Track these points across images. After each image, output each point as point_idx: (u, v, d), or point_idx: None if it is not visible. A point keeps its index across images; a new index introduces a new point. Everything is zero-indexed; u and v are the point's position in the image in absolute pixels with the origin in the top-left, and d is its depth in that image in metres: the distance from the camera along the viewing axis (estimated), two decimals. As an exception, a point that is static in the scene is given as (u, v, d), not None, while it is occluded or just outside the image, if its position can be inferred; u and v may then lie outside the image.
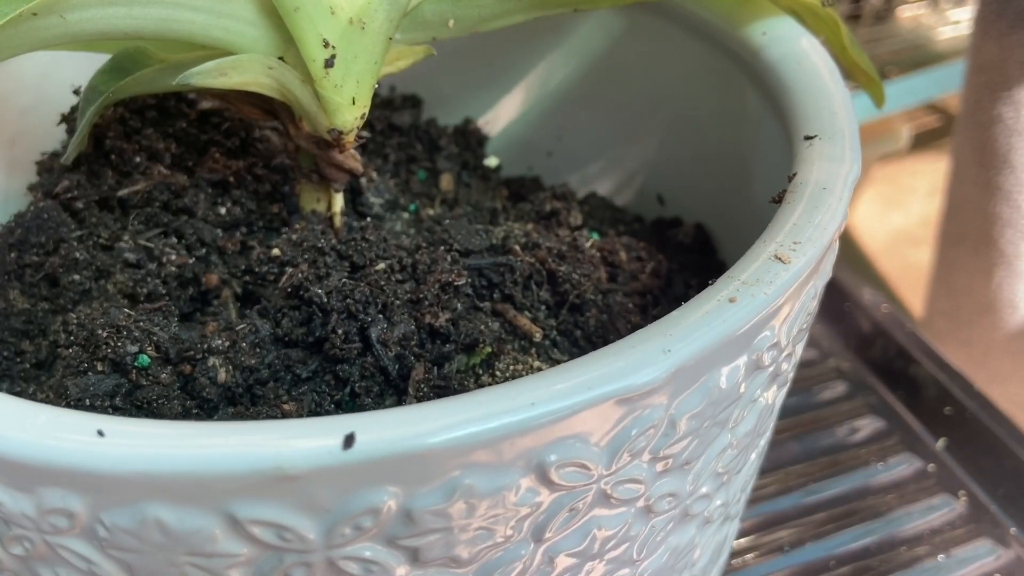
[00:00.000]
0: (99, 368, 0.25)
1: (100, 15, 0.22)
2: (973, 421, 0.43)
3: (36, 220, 0.28)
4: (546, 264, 0.27)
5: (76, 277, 0.27)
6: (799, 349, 0.25)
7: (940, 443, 0.44)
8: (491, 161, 0.36)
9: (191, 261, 0.29)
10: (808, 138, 0.26)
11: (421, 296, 0.25)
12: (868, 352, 0.48)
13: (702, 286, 0.21)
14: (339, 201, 0.29)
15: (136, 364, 0.24)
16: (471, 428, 0.17)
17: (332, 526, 0.18)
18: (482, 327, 0.25)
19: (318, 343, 0.26)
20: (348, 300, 0.25)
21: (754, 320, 0.20)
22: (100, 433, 0.17)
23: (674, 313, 0.20)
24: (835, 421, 0.45)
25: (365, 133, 0.33)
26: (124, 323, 0.25)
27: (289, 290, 0.26)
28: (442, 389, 0.24)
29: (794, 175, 0.25)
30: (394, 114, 0.36)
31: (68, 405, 0.23)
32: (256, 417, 0.24)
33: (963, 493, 0.41)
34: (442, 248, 0.27)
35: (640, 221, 0.36)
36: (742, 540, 0.39)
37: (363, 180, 0.32)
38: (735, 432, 0.23)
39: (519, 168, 0.39)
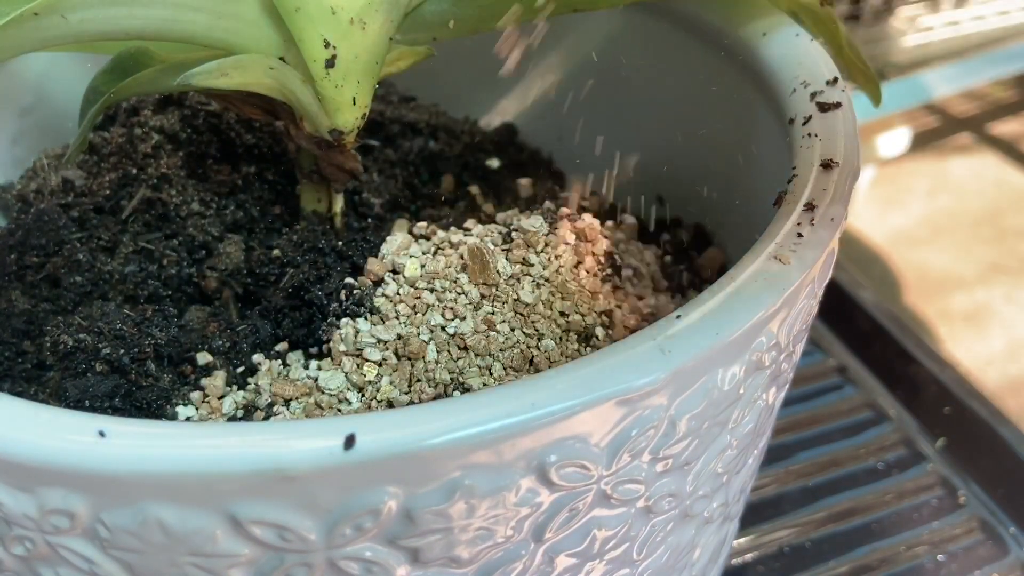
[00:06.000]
0: (98, 369, 0.25)
1: (101, 15, 0.22)
2: (972, 421, 0.43)
3: (37, 222, 0.28)
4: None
5: (77, 278, 0.27)
6: (799, 349, 0.25)
7: (939, 443, 0.44)
8: (492, 162, 0.36)
9: (191, 263, 0.29)
10: (807, 137, 0.26)
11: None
12: (867, 352, 0.48)
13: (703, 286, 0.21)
14: (340, 201, 0.29)
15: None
16: (471, 429, 0.17)
17: (333, 526, 0.18)
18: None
19: (319, 344, 0.26)
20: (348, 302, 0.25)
21: (754, 321, 0.20)
22: (101, 434, 0.17)
23: (674, 313, 0.20)
24: (834, 421, 0.45)
25: (373, 141, 0.33)
26: (124, 325, 0.25)
27: (290, 291, 0.27)
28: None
29: (793, 176, 0.25)
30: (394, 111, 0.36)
31: (67, 406, 0.23)
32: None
33: (962, 493, 0.42)
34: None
35: (640, 221, 0.36)
36: (742, 540, 0.39)
37: (363, 180, 0.32)
38: (735, 432, 0.23)
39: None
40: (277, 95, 0.25)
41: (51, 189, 0.30)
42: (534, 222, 0.27)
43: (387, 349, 0.24)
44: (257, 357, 0.26)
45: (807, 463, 0.43)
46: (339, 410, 0.24)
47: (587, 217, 0.29)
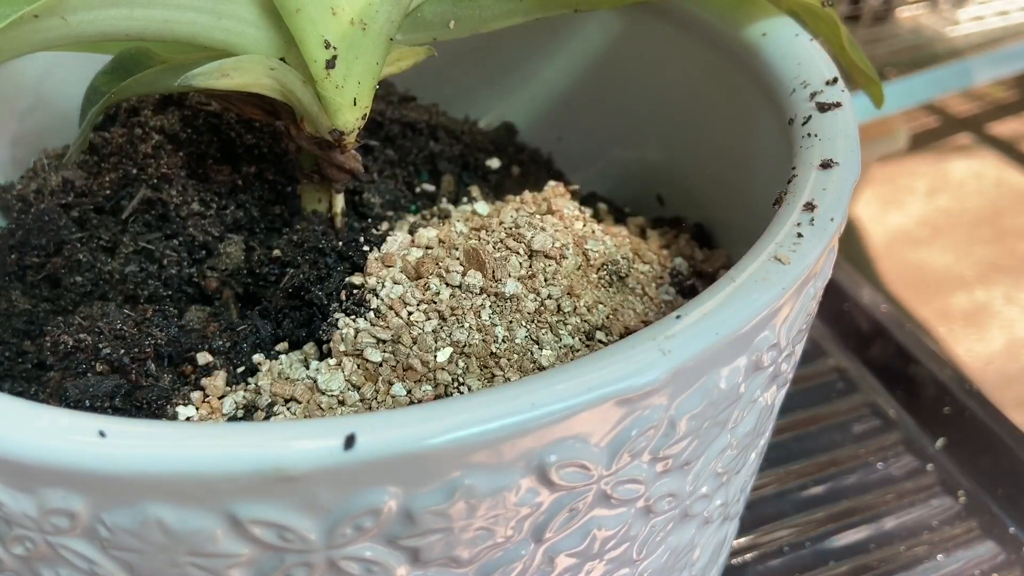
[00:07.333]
0: (98, 369, 0.25)
1: (101, 16, 0.22)
2: (972, 421, 0.43)
3: (37, 222, 0.28)
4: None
5: (78, 278, 0.28)
6: (799, 349, 0.25)
7: (939, 443, 0.44)
8: (492, 162, 0.36)
9: (192, 263, 0.29)
10: (807, 138, 0.26)
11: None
12: (867, 352, 0.48)
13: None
14: (340, 202, 0.29)
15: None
16: (472, 429, 0.17)
17: (333, 526, 0.18)
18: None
19: (319, 344, 0.26)
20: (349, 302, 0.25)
21: (754, 321, 0.20)
22: (101, 434, 0.17)
23: (674, 313, 0.20)
24: (834, 421, 0.45)
25: (373, 142, 0.33)
26: (124, 325, 0.25)
27: (290, 291, 0.27)
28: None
29: (793, 176, 0.25)
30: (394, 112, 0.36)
31: (67, 406, 0.23)
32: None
33: (962, 492, 0.42)
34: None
35: (641, 220, 0.36)
36: (742, 540, 0.39)
37: (364, 180, 0.32)
38: (735, 432, 0.23)
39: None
40: (277, 96, 0.25)
41: (51, 189, 0.30)
42: (533, 223, 0.27)
43: (387, 349, 0.24)
44: (257, 357, 0.26)
45: (807, 463, 0.43)
46: (339, 410, 0.24)
47: (587, 217, 0.29)
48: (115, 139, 0.31)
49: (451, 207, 0.31)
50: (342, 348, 0.24)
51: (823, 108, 0.27)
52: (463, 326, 0.24)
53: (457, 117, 0.39)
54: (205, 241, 0.29)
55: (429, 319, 0.25)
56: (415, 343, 0.24)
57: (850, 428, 0.45)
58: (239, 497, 0.17)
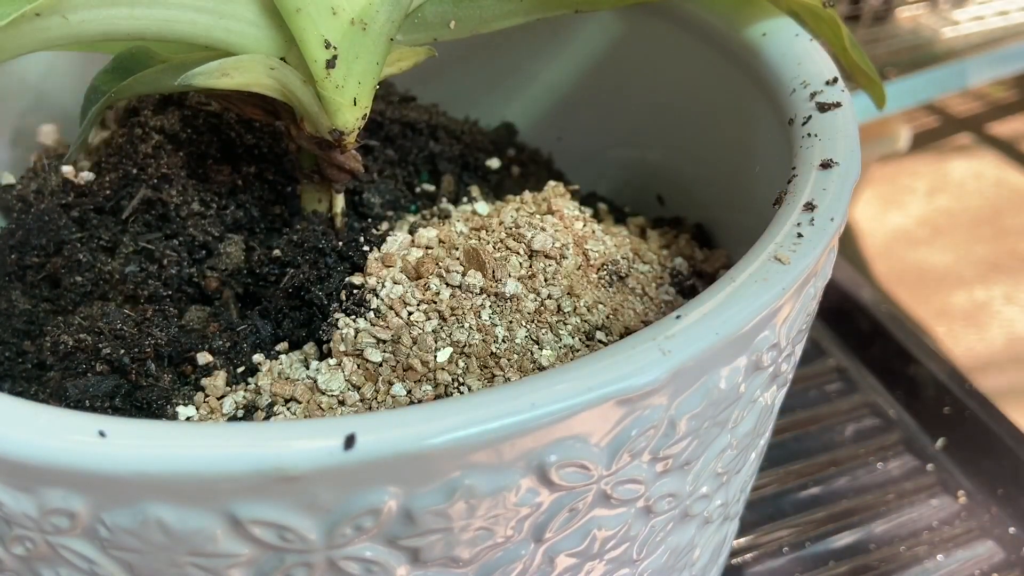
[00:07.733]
0: (98, 369, 0.25)
1: (102, 16, 0.22)
2: (972, 421, 0.43)
3: (37, 222, 0.28)
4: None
5: (78, 278, 0.28)
6: (799, 349, 0.25)
7: (939, 443, 0.44)
8: (492, 162, 0.36)
9: (192, 263, 0.29)
10: (807, 138, 0.26)
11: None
12: (867, 352, 0.48)
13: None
14: (340, 202, 0.29)
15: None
16: (472, 429, 0.17)
17: (333, 526, 0.18)
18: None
19: (319, 344, 0.26)
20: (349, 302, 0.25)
21: (754, 321, 0.20)
22: (101, 433, 0.17)
23: (674, 313, 0.20)
24: (834, 421, 0.45)
25: (373, 142, 0.33)
26: (124, 325, 0.25)
27: (290, 291, 0.27)
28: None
29: (793, 176, 0.25)
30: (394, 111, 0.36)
31: (67, 406, 0.23)
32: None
33: (962, 492, 0.42)
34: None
35: (641, 221, 0.36)
36: (742, 540, 0.39)
37: (364, 180, 0.32)
38: (735, 432, 0.23)
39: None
40: (278, 95, 0.25)
41: (51, 189, 0.30)
42: (533, 223, 0.27)
43: (387, 349, 0.24)
44: (257, 357, 0.26)
45: (807, 463, 0.43)
46: (339, 410, 0.24)
47: (587, 217, 0.29)
48: (115, 139, 0.31)
49: (451, 207, 0.31)
50: (342, 348, 0.24)
51: (823, 108, 0.27)
52: (463, 326, 0.24)
53: (457, 117, 0.39)
54: (205, 241, 0.29)
55: (429, 319, 0.25)
56: (415, 343, 0.24)
57: (850, 428, 0.45)
58: (239, 497, 0.17)
